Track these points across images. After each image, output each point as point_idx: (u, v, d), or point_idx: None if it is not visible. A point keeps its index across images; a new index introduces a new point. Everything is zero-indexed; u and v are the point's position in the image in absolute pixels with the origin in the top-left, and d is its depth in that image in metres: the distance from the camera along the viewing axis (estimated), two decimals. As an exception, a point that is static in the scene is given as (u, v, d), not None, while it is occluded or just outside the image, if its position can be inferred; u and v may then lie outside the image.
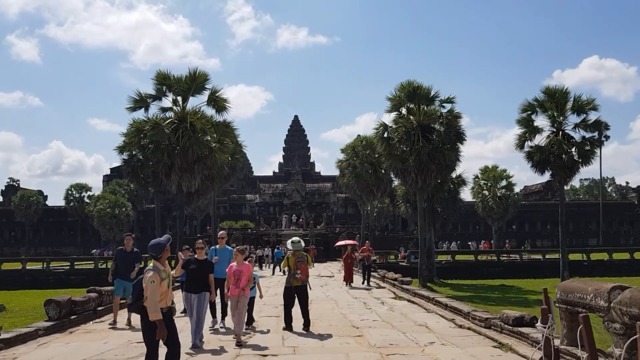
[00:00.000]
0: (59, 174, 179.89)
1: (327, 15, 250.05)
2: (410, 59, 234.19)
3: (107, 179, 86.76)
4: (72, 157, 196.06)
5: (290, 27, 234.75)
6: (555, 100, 26.63)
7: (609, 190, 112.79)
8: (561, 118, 26.90)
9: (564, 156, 26.23)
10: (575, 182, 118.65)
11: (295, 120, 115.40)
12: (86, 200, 78.08)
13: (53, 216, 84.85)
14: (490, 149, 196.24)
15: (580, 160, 26.70)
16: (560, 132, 26.74)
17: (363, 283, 21.97)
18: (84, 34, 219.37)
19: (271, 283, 23.73)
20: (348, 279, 21.53)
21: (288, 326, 10.36)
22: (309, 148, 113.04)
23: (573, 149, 26.61)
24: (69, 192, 79.69)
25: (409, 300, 14.94)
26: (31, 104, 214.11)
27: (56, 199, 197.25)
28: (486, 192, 54.82)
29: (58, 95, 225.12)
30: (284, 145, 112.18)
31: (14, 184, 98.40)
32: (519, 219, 74.64)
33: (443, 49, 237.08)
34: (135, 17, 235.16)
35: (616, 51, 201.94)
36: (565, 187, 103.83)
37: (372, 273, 25.74)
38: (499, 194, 53.44)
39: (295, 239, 10.74)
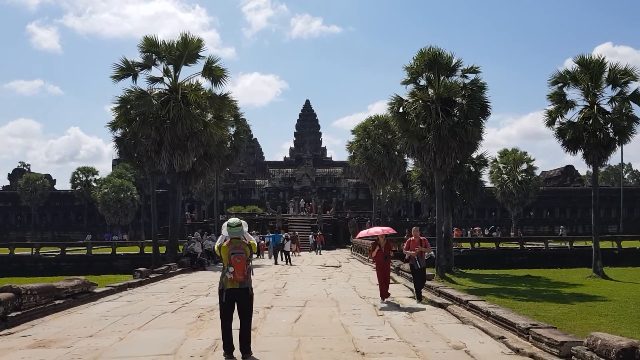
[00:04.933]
0: (77, 160, 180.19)
1: (342, 5, 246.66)
2: (420, 47, 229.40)
3: (116, 163, 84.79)
4: (89, 144, 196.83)
5: (305, 17, 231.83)
6: (589, 71, 23.97)
7: (625, 176, 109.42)
8: (596, 91, 24.24)
9: (598, 133, 23.58)
10: (591, 168, 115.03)
11: (307, 105, 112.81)
12: (93, 184, 76.34)
13: (60, 200, 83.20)
14: (502, 135, 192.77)
15: (616, 138, 24.09)
16: (595, 107, 24.09)
17: (419, 300, 12.37)
18: (102, 24, 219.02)
19: (265, 275, 20.24)
20: (385, 293, 12.73)
21: (227, 350, 7.11)
22: (320, 133, 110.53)
23: (608, 125, 23.99)
24: (76, 175, 77.91)
25: (432, 303, 11.61)
26: (51, 92, 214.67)
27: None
28: (505, 177, 52.14)
29: (77, 83, 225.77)
30: (295, 131, 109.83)
31: (24, 168, 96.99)
32: (537, 205, 71.80)
33: (455, 38, 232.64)
34: (153, 8, 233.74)
35: (630, 38, 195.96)
36: (582, 173, 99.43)
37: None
38: (519, 178, 50.69)
39: (233, 221, 7.27)
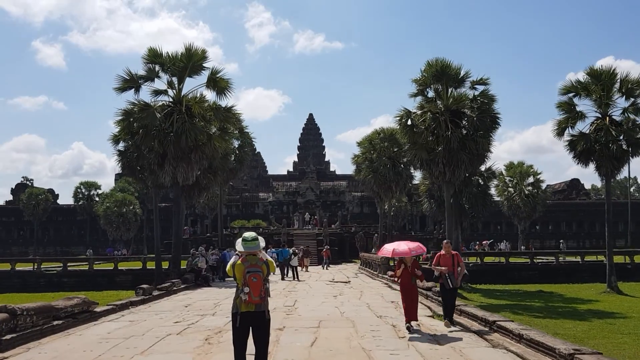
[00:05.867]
0: (80, 174, 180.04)
1: (344, 21, 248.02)
2: (423, 61, 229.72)
3: (118, 177, 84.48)
4: (93, 159, 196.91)
5: (307, 33, 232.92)
6: (601, 82, 23.57)
7: (631, 190, 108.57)
8: (608, 101, 23.82)
9: (611, 145, 23.11)
10: (597, 182, 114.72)
11: (310, 119, 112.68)
12: (95, 198, 76.07)
13: (62, 215, 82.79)
14: (504, 149, 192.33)
15: (629, 150, 23.62)
16: (607, 118, 23.65)
17: (452, 325, 10.85)
18: (106, 40, 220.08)
19: (273, 292, 19.06)
20: (410, 316, 10.72)
21: None
22: (323, 147, 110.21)
23: (621, 137, 23.53)
24: (78, 190, 77.74)
25: (455, 323, 10.79)
26: (55, 107, 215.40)
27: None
28: (512, 190, 51.51)
29: (81, 99, 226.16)
30: (299, 144, 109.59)
31: (27, 182, 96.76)
32: (542, 219, 70.88)
33: (456, 53, 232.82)
34: (157, 24, 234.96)
35: (632, 52, 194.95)
36: (587, 187, 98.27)
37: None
38: (526, 192, 50.06)
39: (249, 234, 6.45)
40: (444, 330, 10.39)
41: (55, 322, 9.88)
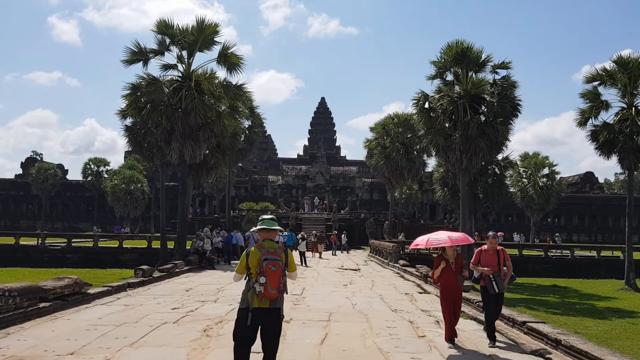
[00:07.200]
0: (91, 151, 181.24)
1: (360, 6, 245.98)
2: (439, 49, 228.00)
3: (128, 155, 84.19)
4: (104, 136, 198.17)
5: (322, 17, 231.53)
6: (627, 71, 22.57)
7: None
8: (634, 91, 22.84)
9: (635, 136, 22.17)
10: (610, 176, 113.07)
11: (322, 102, 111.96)
12: (104, 175, 75.82)
13: (71, 190, 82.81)
14: (516, 140, 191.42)
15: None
16: (633, 108, 22.69)
17: (492, 341, 8.08)
18: (121, 18, 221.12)
19: None
20: (450, 331, 8.22)
21: None
22: (335, 131, 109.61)
23: (646, 128, 22.56)
24: (87, 166, 77.52)
25: (476, 320, 9.84)
26: (69, 84, 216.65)
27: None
28: (525, 181, 50.45)
29: (95, 76, 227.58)
30: (310, 128, 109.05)
31: (36, 157, 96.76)
32: (554, 211, 69.98)
33: (471, 40, 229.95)
34: (172, 4, 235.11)
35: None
36: (601, 181, 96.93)
37: (412, 269, 20.09)
38: (540, 183, 48.99)
39: (267, 216, 5.46)
40: (468, 331, 9.28)
41: (42, 305, 9.08)
